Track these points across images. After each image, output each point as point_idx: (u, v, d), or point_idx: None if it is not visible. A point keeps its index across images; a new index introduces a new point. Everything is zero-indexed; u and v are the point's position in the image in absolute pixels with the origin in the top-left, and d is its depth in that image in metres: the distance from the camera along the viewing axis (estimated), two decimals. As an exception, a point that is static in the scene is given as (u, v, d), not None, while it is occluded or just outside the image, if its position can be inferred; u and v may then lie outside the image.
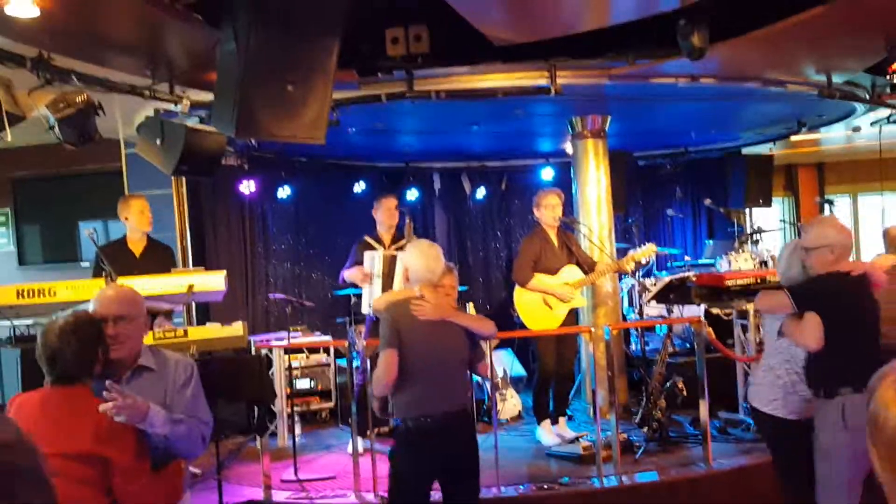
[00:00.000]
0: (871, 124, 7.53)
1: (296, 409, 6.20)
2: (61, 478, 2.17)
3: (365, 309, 5.74)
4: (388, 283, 5.50)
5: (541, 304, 5.56)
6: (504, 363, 6.86)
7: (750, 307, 5.65)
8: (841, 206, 10.24)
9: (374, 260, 5.66)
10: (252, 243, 7.45)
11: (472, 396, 3.73)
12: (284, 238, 7.88)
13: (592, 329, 5.66)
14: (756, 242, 7.72)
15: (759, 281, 5.47)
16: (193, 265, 6.48)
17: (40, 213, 7.56)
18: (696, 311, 6.24)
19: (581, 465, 5.07)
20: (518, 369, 7.25)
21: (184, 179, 6.60)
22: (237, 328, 4.97)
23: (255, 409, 5.92)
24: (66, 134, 3.72)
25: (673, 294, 5.93)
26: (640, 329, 6.77)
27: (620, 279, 6.93)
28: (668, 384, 5.83)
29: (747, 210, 8.93)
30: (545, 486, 4.70)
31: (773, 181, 9.82)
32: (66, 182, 7.24)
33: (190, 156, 4.13)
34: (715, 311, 6.32)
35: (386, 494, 3.61)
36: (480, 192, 8.91)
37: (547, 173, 8.51)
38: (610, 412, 5.02)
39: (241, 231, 7.36)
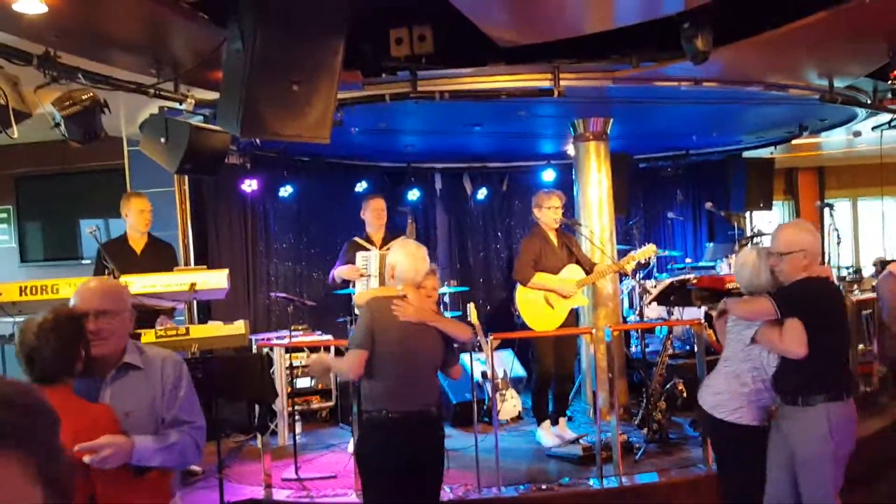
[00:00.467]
0: (873, 129, 7.56)
1: (296, 407, 6.21)
2: None
3: (357, 309, 5.76)
4: (384, 283, 5.53)
5: (542, 303, 5.58)
6: (505, 364, 6.87)
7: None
8: (841, 211, 10.26)
9: (369, 260, 5.68)
10: (254, 242, 7.45)
11: (440, 398, 3.76)
12: (286, 237, 7.89)
13: (593, 330, 5.67)
14: (756, 245, 7.73)
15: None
16: (195, 263, 6.49)
17: (42, 210, 7.57)
18: (696, 313, 6.26)
19: (581, 465, 5.08)
20: (519, 370, 7.26)
21: (186, 178, 6.61)
22: (239, 327, 4.99)
23: (256, 407, 5.96)
24: (71, 132, 3.73)
25: (673, 296, 5.95)
26: (640, 331, 6.79)
27: (621, 281, 6.95)
28: (668, 386, 5.85)
29: (748, 213, 8.95)
30: (545, 487, 4.71)
31: (774, 185, 9.86)
32: (68, 179, 7.24)
33: (194, 154, 4.14)
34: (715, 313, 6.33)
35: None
36: (482, 193, 8.93)
37: (548, 174, 8.53)
38: (610, 413, 5.03)
39: (243, 229, 7.37)
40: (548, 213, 5.67)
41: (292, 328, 6.24)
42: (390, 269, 3.61)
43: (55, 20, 3.46)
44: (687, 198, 9.15)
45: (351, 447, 5.19)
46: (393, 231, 6.11)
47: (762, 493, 3.50)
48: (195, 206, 6.83)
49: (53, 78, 3.65)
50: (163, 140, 4.25)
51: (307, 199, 7.90)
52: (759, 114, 6.85)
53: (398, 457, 3.40)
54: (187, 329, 4.96)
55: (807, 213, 10.99)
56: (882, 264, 6.78)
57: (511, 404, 6.47)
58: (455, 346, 3.64)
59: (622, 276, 6.62)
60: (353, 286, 5.82)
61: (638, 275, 7.10)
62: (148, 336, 4.52)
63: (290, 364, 6.17)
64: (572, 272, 5.64)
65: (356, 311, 5.57)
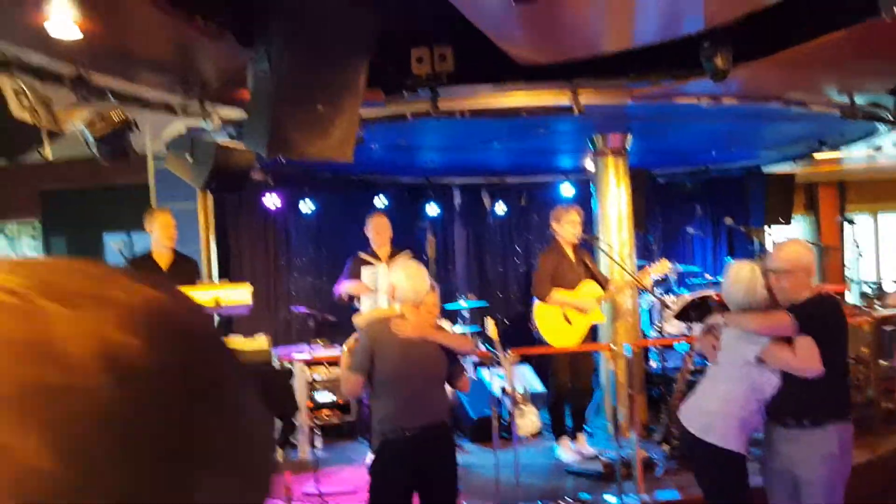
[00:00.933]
0: (894, 144, 7.52)
1: (316, 421, 6.26)
2: None
3: None
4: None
5: (560, 319, 5.59)
6: (524, 379, 6.88)
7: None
8: (862, 225, 10.19)
9: (376, 276, 5.74)
10: (275, 257, 7.54)
11: (450, 411, 3.84)
12: (307, 252, 7.97)
13: (613, 346, 5.68)
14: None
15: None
16: (218, 278, 6.57)
17: (67, 225, 7.72)
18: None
19: (601, 482, 5.08)
20: (538, 386, 7.27)
21: (210, 194, 6.71)
22: (261, 341, 5.06)
23: (277, 422, 6.01)
24: (102, 151, 3.83)
25: (694, 312, 5.93)
26: (659, 346, 6.78)
27: (640, 296, 6.95)
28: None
29: (767, 228, 8.92)
30: (563, 503, 4.71)
31: (794, 199, 9.82)
32: (93, 195, 7.38)
33: (220, 172, 4.23)
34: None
35: None
36: (500, 208, 8.97)
37: (566, 189, 8.55)
38: (630, 430, 5.03)
39: (265, 244, 7.46)
40: (567, 227, 5.70)
41: (312, 342, 6.29)
42: (391, 290, 3.71)
43: (88, 43, 3.56)
44: (706, 213, 9.14)
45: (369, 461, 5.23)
46: (399, 247, 6.16)
47: None
48: (218, 222, 6.93)
49: (84, 98, 3.74)
50: (189, 158, 4.34)
51: (328, 215, 7.98)
52: (779, 130, 6.84)
53: (412, 473, 3.46)
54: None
55: (828, 227, 10.91)
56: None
57: (530, 420, 6.47)
58: (459, 358, 3.75)
59: (641, 291, 6.62)
60: (359, 302, 5.87)
61: (657, 290, 7.10)
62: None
63: (311, 378, 6.22)
64: (589, 288, 5.66)
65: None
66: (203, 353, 0.39)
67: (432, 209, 8.60)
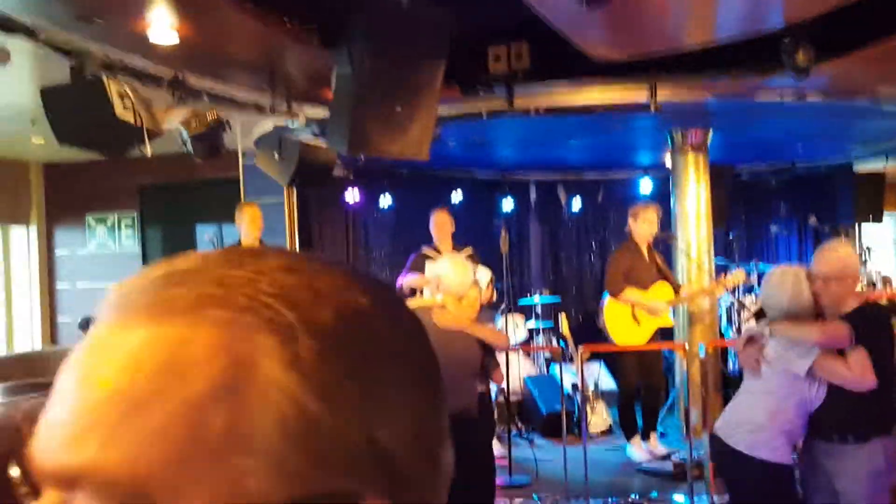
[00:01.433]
0: None
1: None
2: None
3: None
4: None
5: (629, 318, 5.59)
6: (595, 376, 6.89)
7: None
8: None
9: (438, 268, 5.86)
10: (355, 250, 7.78)
11: (481, 402, 3.95)
12: (384, 245, 8.18)
13: (687, 346, 5.63)
14: (864, 262, 7.43)
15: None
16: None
17: (163, 217, 8.16)
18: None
19: (672, 482, 5.06)
20: (610, 383, 7.26)
21: (294, 189, 6.99)
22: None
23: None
24: (196, 149, 4.09)
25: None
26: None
27: (719, 296, 6.84)
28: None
29: (857, 228, 8.60)
30: (632, 500, 4.73)
31: (888, 197, 9.40)
32: (187, 189, 7.78)
33: (304, 168, 4.43)
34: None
35: None
36: (576, 204, 8.95)
37: (645, 185, 8.46)
38: (703, 430, 4.99)
39: (345, 238, 7.70)
40: (644, 225, 5.68)
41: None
42: (436, 281, 3.82)
43: (184, 48, 3.80)
44: (791, 211, 8.87)
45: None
46: (470, 242, 6.27)
47: None
48: (302, 216, 7.20)
49: (181, 99, 4.00)
50: (276, 155, 4.56)
51: (405, 209, 8.16)
52: (868, 125, 6.60)
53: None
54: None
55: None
56: None
57: (601, 417, 6.48)
58: (495, 352, 3.92)
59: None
60: (421, 295, 6.01)
61: (737, 290, 6.97)
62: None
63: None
64: (662, 290, 5.63)
65: None
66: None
67: (508, 204, 8.67)
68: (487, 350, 3.82)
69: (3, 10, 3.14)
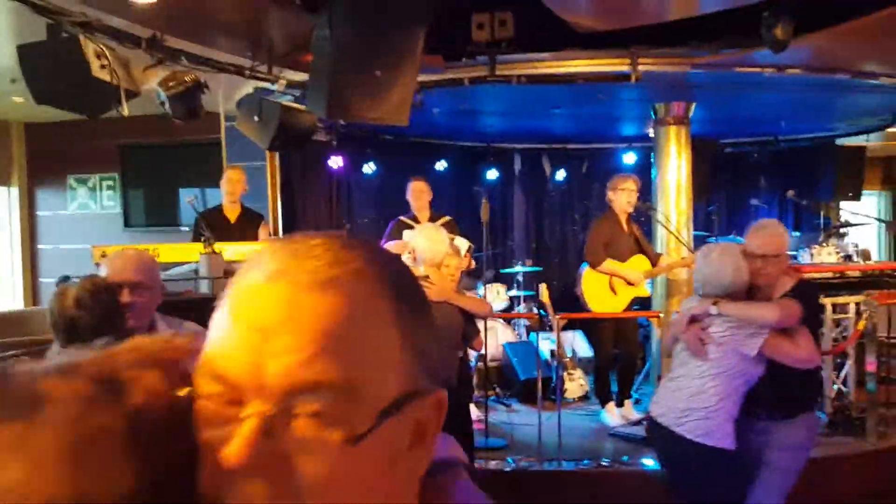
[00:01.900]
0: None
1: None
2: None
3: None
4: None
5: (606, 288, 5.66)
6: (573, 343, 6.99)
7: (827, 301, 5.59)
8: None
9: None
10: (338, 216, 7.79)
11: (462, 371, 4.06)
12: (368, 211, 8.19)
13: (661, 314, 5.72)
14: (843, 236, 7.52)
15: (837, 275, 5.41)
16: (284, 235, 6.85)
17: (145, 178, 8.12)
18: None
19: (643, 447, 5.17)
20: (587, 350, 7.37)
21: (277, 153, 6.97)
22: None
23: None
24: (174, 109, 4.08)
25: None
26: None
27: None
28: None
29: (839, 203, 8.68)
30: (605, 464, 4.84)
31: (870, 174, 9.47)
32: (169, 151, 7.75)
33: (284, 132, 4.44)
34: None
35: None
36: (560, 175, 8.98)
37: (629, 157, 8.50)
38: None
39: (329, 204, 7.71)
40: (622, 195, 5.72)
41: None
42: (412, 253, 3.87)
43: (163, 7, 3.78)
44: (773, 185, 8.93)
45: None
46: (446, 209, 6.30)
47: None
48: (285, 181, 7.19)
49: (160, 60, 3.98)
50: (256, 118, 4.55)
51: (389, 176, 8.16)
52: (850, 101, 6.65)
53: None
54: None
55: (904, 204, 10.53)
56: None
57: (578, 384, 6.59)
58: (475, 320, 4.00)
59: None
60: None
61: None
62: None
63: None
64: (639, 261, 5.70)
65: None
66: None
67: (492, 174, 8.68)
68: (468, 318, 3.90)
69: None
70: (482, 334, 4.43)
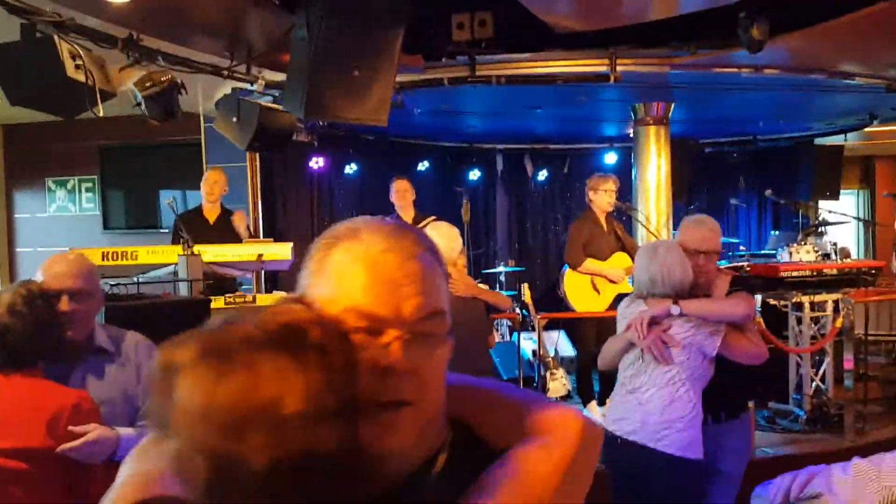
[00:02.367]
0: (951, 118, 7.30)
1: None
2: (22, 478, 1.99)
3: None
4: None
5: (589, 287, 5.69)
6: (555, 343, 7.00)
7: (805, 299, 5.64)
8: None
9: None
10: (319, 217, 7.76)
11: (492, 369, 4.05)
12: (350, 213, 8.16)
13: (643, 314, 5.75)
14: (821, 235, 7.59)
15: (815, 273, 5.46)
16: (264, 236, 6.82)
17: (124, 180, 8.04)
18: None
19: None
20: (569, 350, 7.39)
21: (258, 154, 6.94)
22: (301, 297, 5.29)
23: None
24: (151, 110, 4.04)
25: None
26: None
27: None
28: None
29: (819, 202, 8.76)
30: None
31: (849, 174, 9.56)
32: (149, 152, 7.68)
33: (263, 133, 4.41)
34: (773, 302, 6.30)
35: None
36: (542, 175, 9.01)
37: (610, 157, 8.54)
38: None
39: (310, 205, 7.68)
40: (603, 196, 5.75)
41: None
42: None
43: (139, 6, 3.74)
44: (752, 184, 9.01)
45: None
46: (430, 208, 6.31)
47: None
48: (265, 182, 7.16)
49: (136, 60, 3.94)
50: (234, 119, 4.53)
51: (371, 177, 8.15)
52: (827, 101, 6.71)
53: None
54: (254, 297, 5.29)
55: (883, 203, 10.64)
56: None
57: (560, 383, 6.60)
58: (490, 315, 3.99)
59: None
60: None
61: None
62: (217, 303, 4.85)
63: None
64: (620, 259, 5.73)
65: None
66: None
67: (474, 174, 8.69)
68: (488, 313, 3.94)
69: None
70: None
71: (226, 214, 5.94)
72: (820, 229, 7.48)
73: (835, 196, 8.47)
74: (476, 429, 0.97)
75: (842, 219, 7.59)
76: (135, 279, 4.33)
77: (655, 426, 2.85)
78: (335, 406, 0.76)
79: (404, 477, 0.90)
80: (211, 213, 5.86)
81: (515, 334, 7.04)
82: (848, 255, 8.13)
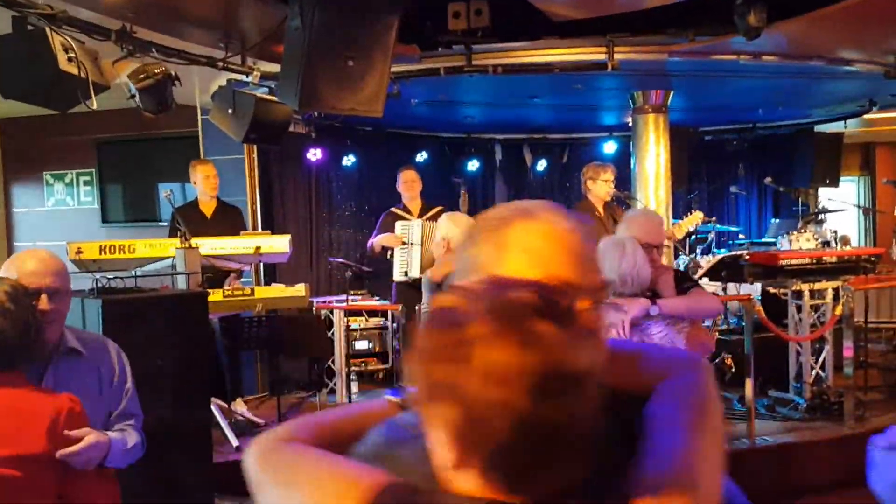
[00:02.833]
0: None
1: (354, 368, 6.51)
2: (14, 487, 1.92)
3: (396, 276, 6.05)
4: (426, 251, 5.76)
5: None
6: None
7: (805, 287, 5.63)
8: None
9: (410, 229, 5.91)
10: (317, 209, 7.74)
11: None
12: (348, 205, 8.15)
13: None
14: (821, 222, 7.57)
15: (815, 261, 5.44)
16: (262, 229, 6.81)
17: (122, 173, 8.02)
18: (751, 288, 6.22)
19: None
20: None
21: (255, 146, 6.92)
22: (299, 289, 5.29)
23: (315, 366, 6.31)
24: (145, 102, 4.02)
25: (725, 272, 5.93)
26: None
27: (676, 256, 6.95)
28: (715, 360, 5.87)
29: (819, 189, 8.73)
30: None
31: (849, 160, 9.51)
32: (147, 145, 7.66)
33: (258, 124, 4.40)
34: (772, 290, 6.29)
35: None
36: (541, 165, 8.97)
37: (609, 147, 8.51)
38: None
39: (308, 197, 7.66)
40: (601, 185, 5.74)
41: (350, 293, 6.51)
42: (445, 244, 3.75)
43: (132, -1, 3.73)
44: (751, 172, 8.98)
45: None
46: (434, 201, 6.30)
47: None
48: (263, 174, 7.14)
49: (130, 52, 3.92)
50: (230, 111, 4.51)
51: (369, 169, 8.13)
52: (826, 88, 6.67)
53: None
54: (252, 290, 5.29)
55: (883, 189, 10.60)
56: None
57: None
58: None
59: (677, 251, 6.62)
60: (391, 255, 6.07)
61: (697, 250, 7.08)
62: (215, 295, 4.84)
63: (348, 326, 6.46)
64: (620, 246, 5.72)
65: (398, 281, 5.84)
66: None
67: (473, 164, 8.66)
68: None
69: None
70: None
71: (222, 207, 5.93)
72: (820, 217, 7.47)
73: (834, 183, 8.44)
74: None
75: (841, 206, 7.58)
76: (132, 272, 4.32)
77: None
78: (595, 367, 0.82)
79: None
80: (207, 207, 5.86)
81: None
82: (848, 243, 8.12)
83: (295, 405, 6.27)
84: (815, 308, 5.78)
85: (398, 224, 6.06)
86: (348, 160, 7.85)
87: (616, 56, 4.92)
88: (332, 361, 6.50)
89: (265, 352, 6.23)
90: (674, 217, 6.90)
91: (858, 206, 9.29)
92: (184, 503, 3.41)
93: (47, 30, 3.37)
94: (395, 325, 7.03)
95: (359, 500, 0.86)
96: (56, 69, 3.33)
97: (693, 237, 7.10)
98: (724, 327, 6.32)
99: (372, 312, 7.02)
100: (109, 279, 3.78)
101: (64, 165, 8.01)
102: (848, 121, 8.37)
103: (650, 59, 5.12)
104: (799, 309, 5.85)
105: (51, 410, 2.00)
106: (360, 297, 7.02)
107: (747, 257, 5.63)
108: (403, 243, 5.97)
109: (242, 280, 5.91)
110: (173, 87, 4.18)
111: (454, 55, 4.95)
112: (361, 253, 8.13)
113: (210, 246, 4.96)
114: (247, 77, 4.72)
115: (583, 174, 5.88)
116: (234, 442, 5.10)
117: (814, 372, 5.66)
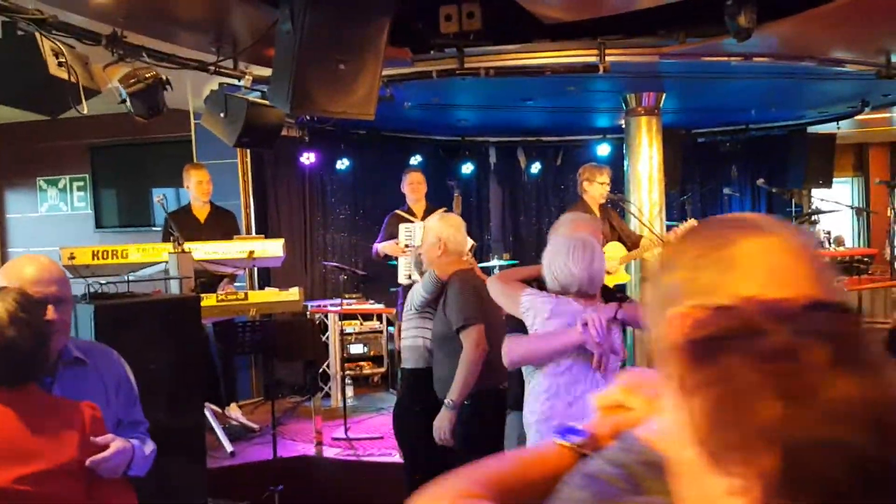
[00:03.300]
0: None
1: (349, 372, 6.51)
2: (52, 500, 1.88)
3: (401, 279, 6.03)
4: None
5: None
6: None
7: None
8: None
9: (413, 232, 5.90)
10: (311, 213, 7.74)
11: None
12: (342, 208, 8.15)
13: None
14: (814, 223, 7.59)
15: None
16: (256, 233, 6.81)
17: (116, 178, 8.01)
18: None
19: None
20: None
21: (248, 150, 6.91)
22: (293, 293, 5.28)
23: (310, 370, 6.29)
24: (136, 107, 4.01)
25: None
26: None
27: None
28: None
29: (812, 191, 8.75)
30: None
31: (842, 161, 9.54)
32: (141, 149, 7.64)
33: (250, 128, 4.39)
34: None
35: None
36: (535, 167, 8.98)
37: (603, 149, 8.52)
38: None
39: (301, 201, 7.65)
40: (598, 187, 5.74)
41: (345, 296, 6.50)
42: (440, 244, 3.66)
43: (123, 2, 3.72)
44: (745, 173, 9.00)
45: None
46: (435, 203, 6.30)
47: None
48: (256, 178, 7.14)
49: (120, 56, 3.92)
50: (222, 115, 4.50)
51: (363, 172, 8.13)
52: (818, 89, 6.69)
53: (499, 432, 3.24)
54: (246, 294, 5.28)
55: (877, 190, 10.64)
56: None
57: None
58: None
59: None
60: (396, 260, 6.06)
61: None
62: (209, 300, 4.83)
63: (342, 330, 6.45)
64: (615, 248, 5.71)
65: (405, 285, 5.82)
66: None
67: (467, 167, 8.67)
68: None
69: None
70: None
71: (216, 212, 5.93)
72: (813, 217, 7.50)
73: (828, 184, 8.47)
74: None
75: (834, 207, 7.60)
76: (125, 277, 4.31)
77: None
78: None
79: None
80: (201, 212, 5.85)
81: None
82: (842, 243, 8.16)
83: (289, 409, 6.26)
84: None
85: (401, 227, 6.05)
86: (342, 163, 7.84)
87: (607, 58, 4.93)
88: (327, 365, 6.50)
89: (259, 356, 6.22)
90: (668, 220, 6.92)
91: (852, 207, 9.30)
92: (177, 509, 3.39)
93: (37, 35, 3.36)
94: (391, 328, 7.03)
95: None
96: (46, 74, 3.32)
97: None
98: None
99: (367, 316, 7.01)
100: (102, 284, 3.76)
101: (57, 171, 8.00)
102: (841, 121, 8.40)
103: (642, 61, 5.13)
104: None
105: (78, 419, 1.96)
106: (354, 301, 7.01)
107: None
108: (406, 247, 5.97)
109: (236, 284, 5.90)
110: (165, 92, 4.17)
111: (446, 58, 4.95)
112: (356, 257, 8.13)
113: (203, 250, 4.95)
114: (238, 81, 4.72)
115: (579, 175, 5.88)
116: (229, 447, 5.09)
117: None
